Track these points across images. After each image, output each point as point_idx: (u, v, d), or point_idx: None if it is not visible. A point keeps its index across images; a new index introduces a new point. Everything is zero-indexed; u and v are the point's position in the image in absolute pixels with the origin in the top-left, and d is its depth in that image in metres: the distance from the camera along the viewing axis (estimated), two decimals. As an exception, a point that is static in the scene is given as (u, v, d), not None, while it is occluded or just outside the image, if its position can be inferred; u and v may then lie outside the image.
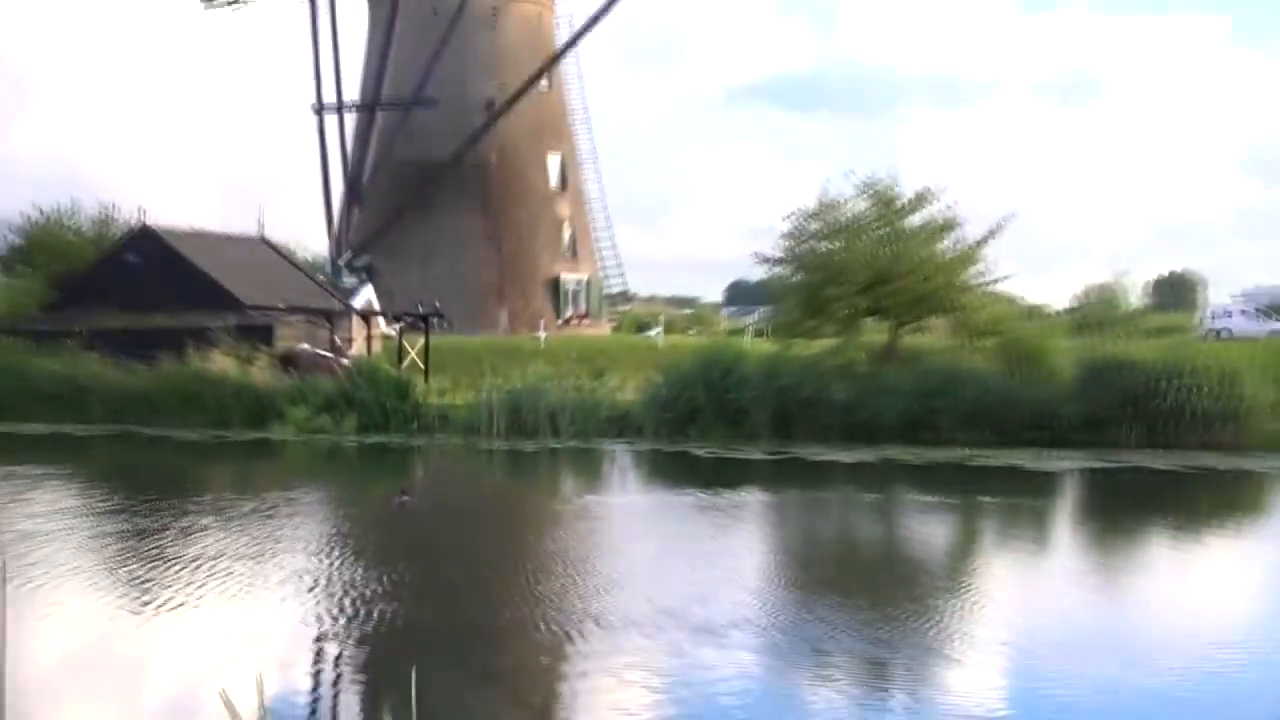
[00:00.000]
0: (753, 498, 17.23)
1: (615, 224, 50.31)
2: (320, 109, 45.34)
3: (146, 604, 9.99)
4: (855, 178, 26.02)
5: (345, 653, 8.80)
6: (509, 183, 45.98)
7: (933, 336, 27.01)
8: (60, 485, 17.52)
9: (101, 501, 16.25)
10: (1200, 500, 18.07)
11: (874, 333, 26.40)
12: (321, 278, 38.58)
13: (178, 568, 11.33)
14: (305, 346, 28.28)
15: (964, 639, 9.21)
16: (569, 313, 47.28)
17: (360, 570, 11.36)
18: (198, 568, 11.32)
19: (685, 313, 68.35)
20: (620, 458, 22.01)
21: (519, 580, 11.43)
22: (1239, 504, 17.95)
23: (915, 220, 25.62)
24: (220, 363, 26.04)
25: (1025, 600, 11.10)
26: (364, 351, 31.82)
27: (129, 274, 29.12)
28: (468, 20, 44.35)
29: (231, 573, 11.16)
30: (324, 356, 27.90)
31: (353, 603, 9.99)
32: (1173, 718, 7.68)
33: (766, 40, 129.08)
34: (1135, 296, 35.29)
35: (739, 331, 44.68)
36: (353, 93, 46.20)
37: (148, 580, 10.82)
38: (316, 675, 8.48)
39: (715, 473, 19.59)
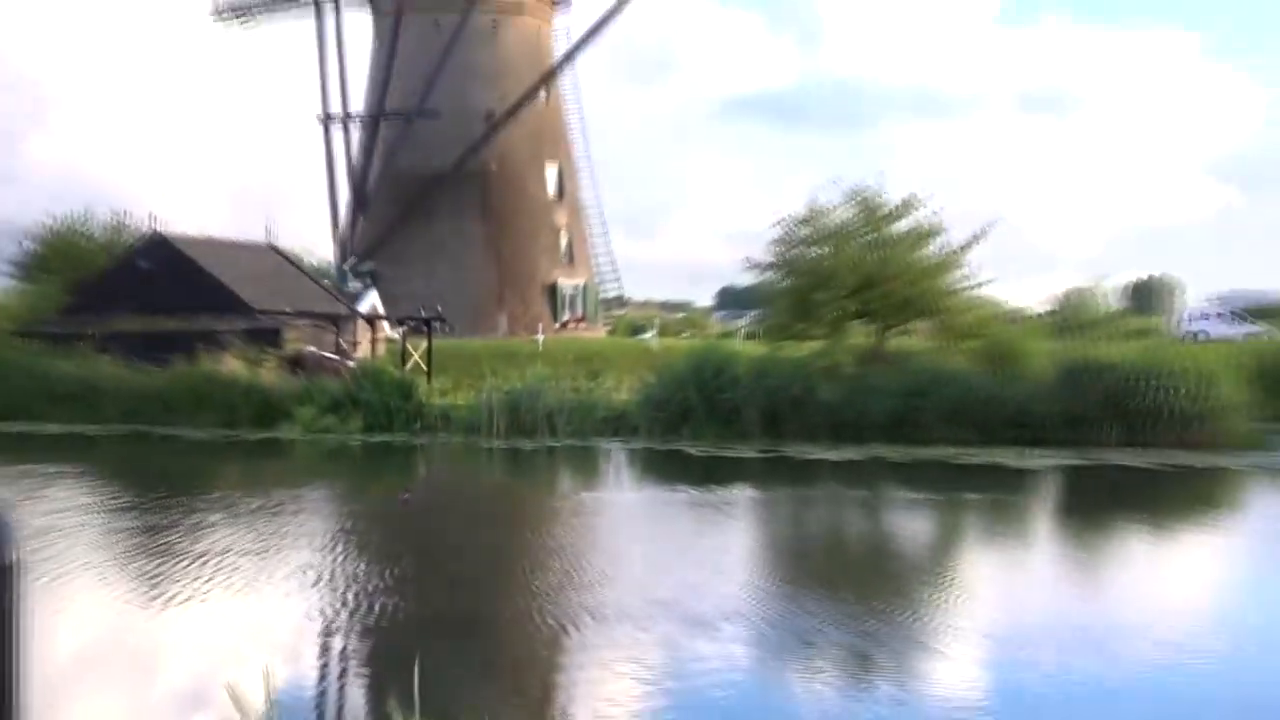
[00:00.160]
0: (743, 494, 17.45)
1: (610, 231, 50.66)
2: (326, 120, 46.16)
3: (156, 598, 10.13)
4: (842, 186, 26.18)
5: (350, 645, 8.97)
6: (508, 191, 46.45)
7: (918, 339, 27.09)
8: (74, 483, 17.59)
9: (114, 499, 16.39)
10: (1177, 497, 18.22)
11: (861, 335, 26.41)
12: (328, 283, 38.82)
13: (186, 563, 11.45)
14: (312, 349, 28.58)
15: (948, 631, 9.39)
16: (566, 316, 47.77)
17: (364, 565, 11.49)
18: (205, 563, 11.42)
19: (678, 316, 68.30)
20: (615, 456, 22.16)
21: (517, 574, 11.65)
22: (1215, 500, 18.12)
23: (901, 227, 25.76)
24: (230, 365, 26.28)
25: (1008, 594, 11.30)
26: (369, 354, 32.21)
27: (141, 279, 29.27)
28: (469, 34, 44.93)
29: (238, 568, 11.27)
30: (330, 358, 28.25)
31: (356, 596, 10.12)
32: (1150, 707, 7.77)
33: (756, 56, 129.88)
34: (1112, 300, 35.38)
35: (730, 334, 44.44)
36: (358, 104, 46.90)
37: (157, 575, 10.93)
38: (322, 667, 8.63)
39: (707, 470, 19.70)
